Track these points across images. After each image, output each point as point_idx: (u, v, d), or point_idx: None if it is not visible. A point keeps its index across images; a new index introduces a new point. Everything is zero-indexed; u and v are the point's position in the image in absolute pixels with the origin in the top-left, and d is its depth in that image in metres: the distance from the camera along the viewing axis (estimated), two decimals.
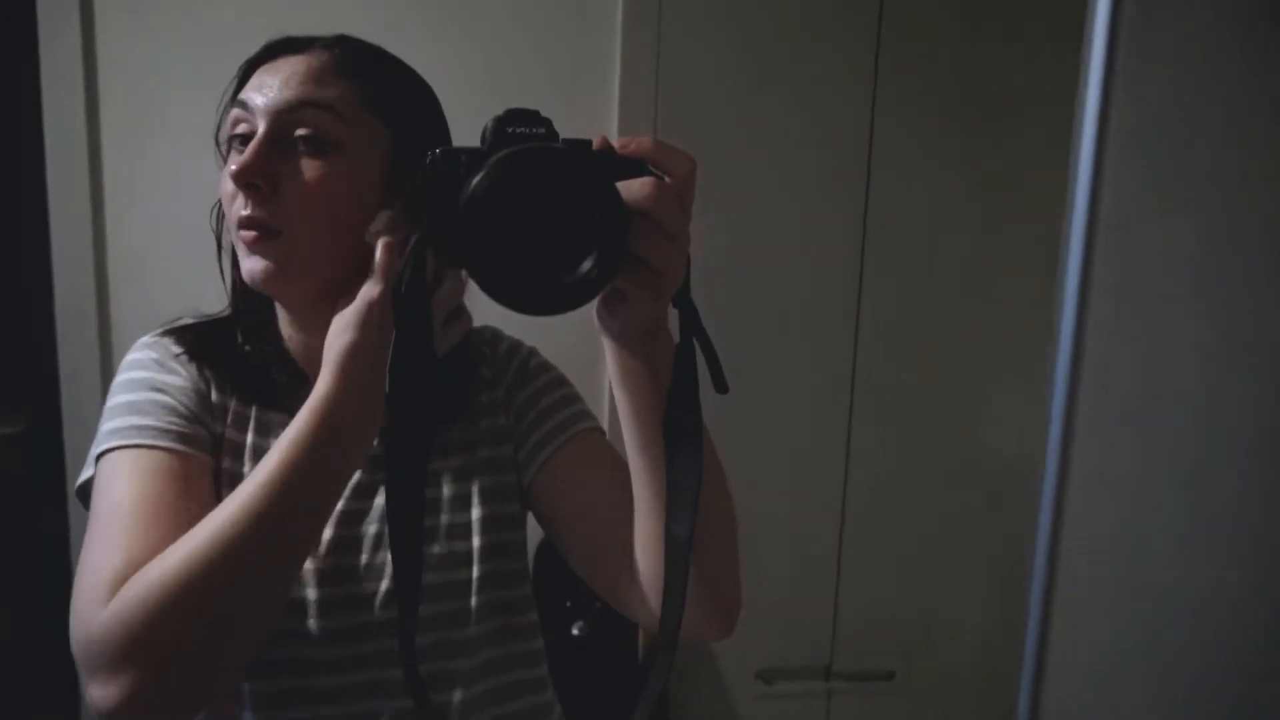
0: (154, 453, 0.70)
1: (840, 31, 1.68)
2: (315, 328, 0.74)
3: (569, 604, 1.62)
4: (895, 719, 1.87)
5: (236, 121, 0.73)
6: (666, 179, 0.55)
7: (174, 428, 0.72)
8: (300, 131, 0.70)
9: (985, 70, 1.71)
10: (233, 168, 0.69)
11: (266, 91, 0.72)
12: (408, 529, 0.63)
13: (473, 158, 0.53)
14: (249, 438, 0.78)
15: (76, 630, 0.61)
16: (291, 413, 0.68)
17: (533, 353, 0.89)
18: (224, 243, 0.80)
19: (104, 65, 1.48)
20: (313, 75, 0.72)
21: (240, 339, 0.80)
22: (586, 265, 0.52)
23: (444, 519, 0.79)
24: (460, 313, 0.71)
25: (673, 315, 0.62)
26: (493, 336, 0.90)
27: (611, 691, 1.38)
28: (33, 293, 1.99)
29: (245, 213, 0.70)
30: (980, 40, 1.71)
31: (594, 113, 1.60)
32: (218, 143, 0.78)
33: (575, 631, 1.59)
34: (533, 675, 0.85)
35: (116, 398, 0.75)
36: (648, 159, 0.56)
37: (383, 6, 1.55)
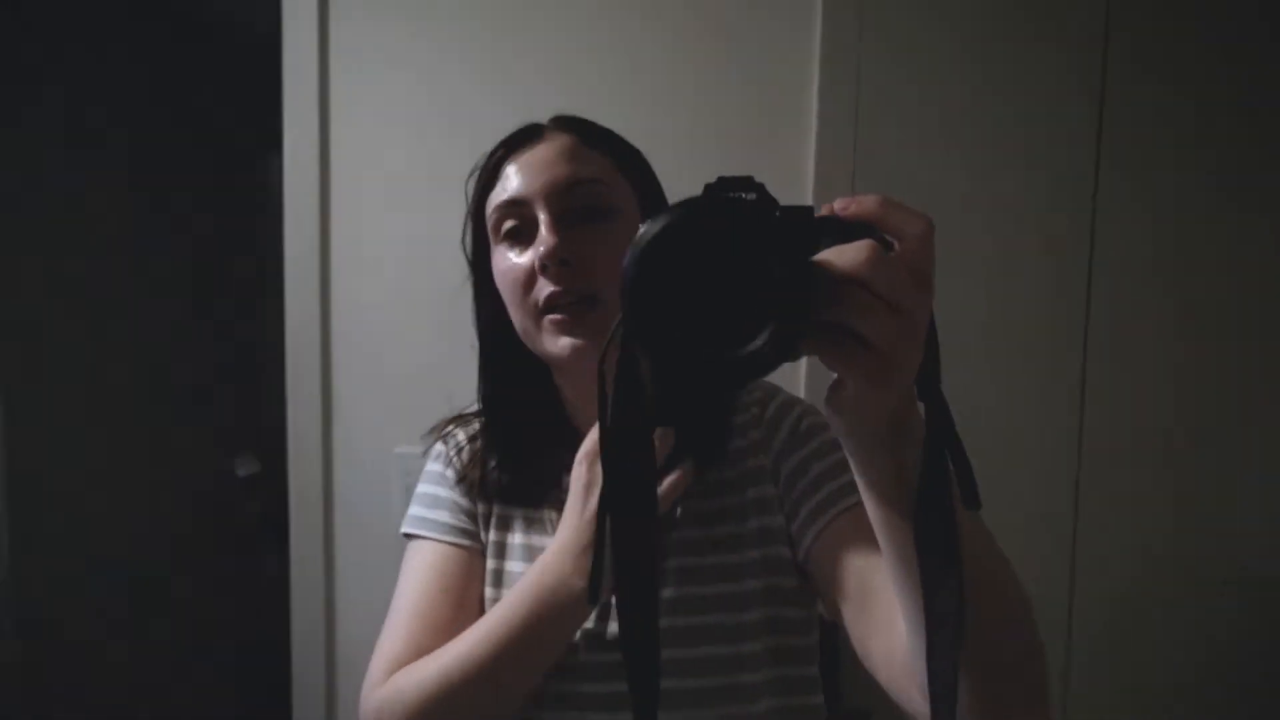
0: (438, 546, 0.84)
1: (1058, 79, 1.56)
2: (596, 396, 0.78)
3: None
4: None
5: (503, 220, 0.77)
6: (896, 244, 0.48)
7: (448, 521, 0.85)
8: (579, 204, 0.75)
9: (1224, 95, 1.54)
10: (541, 250, 0.73)
11: (532, 182, 0.75)
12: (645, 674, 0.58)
13: (659, 216, 0.47)
14: (516, 537, 0.85)
15: (362, 698, 0.78)
16: (554, 505, 0.79)
17: (805, 413, 0.83)
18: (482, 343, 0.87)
19: (336, 151, 1.63)
20: (568, 155, 0.76)
21: (503, 438, 0.85)
22: (761, 339, 0.44)
23: (715, 589, 0.77)
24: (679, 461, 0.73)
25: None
26: (764, 395, 0.85)
27: None
28: (270, 353, 2.21)
29: (555, 289, 0.73)
30: (1219, 63, 1.54)
31: (790, 158, 1.57)
32: (466, 253, 0.84)
33: None
34: None
35: (420, 485, 0.90)
36: (872, 220, 0.48)
37: (577, 59, 1.59)
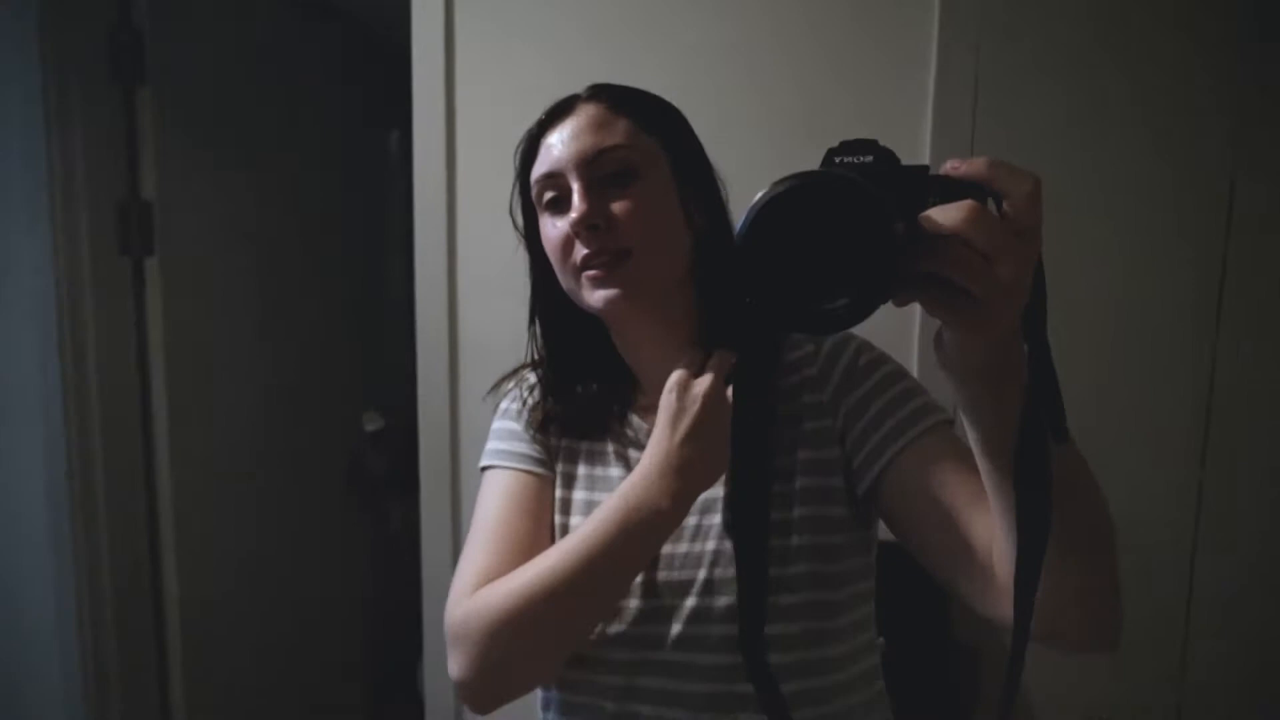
0: (515, 474, 0.90)
1: (1193, 58, 1.49)
2: (646, 338, 0.88)
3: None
4: None
5: (543, 191, 0.84)
6: (1004, 202, 0.51)
7: (522, 450, 0.92)
8: (606, 171, 0.82)
9: None
10: (573, 216, 0.80)
11: (564, 154, 0.82)
12: (757, 588, 0.67)
13: (782, 181, 0.53)
14: (580, 469, 0.92)
15: (448, 611, 0.82)
16: (615, 438, 0.88)
17: (860, 349, 0.87)
18: (535, 305, 0.94)
19: (462, 124, 1.72)
20: (594, 125, 0.83)
21: (560, 381, 0.93)
22: (853, 292, 0.50)
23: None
24: None
25: None
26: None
27: (918, 711, 1.32)
28: (401, 312, 2.33)
29: (589, 250, 0.81)
30: None
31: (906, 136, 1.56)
32: (516, 223, 0.92)
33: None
34: (837, 659, 0.84)
35: (495, 421, 0.97)
36: (981, 180, 0.52)
37: (693, 50, 1.62)
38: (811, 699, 0.81)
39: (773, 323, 0.52)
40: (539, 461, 0.91)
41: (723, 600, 0.82)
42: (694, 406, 0.76)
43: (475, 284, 1.74)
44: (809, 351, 0.88)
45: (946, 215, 0.50)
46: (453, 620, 0.80)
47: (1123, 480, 1.58)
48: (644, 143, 0.84)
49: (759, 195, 0.51)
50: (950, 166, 0.53)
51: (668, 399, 0.78)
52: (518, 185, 0.91)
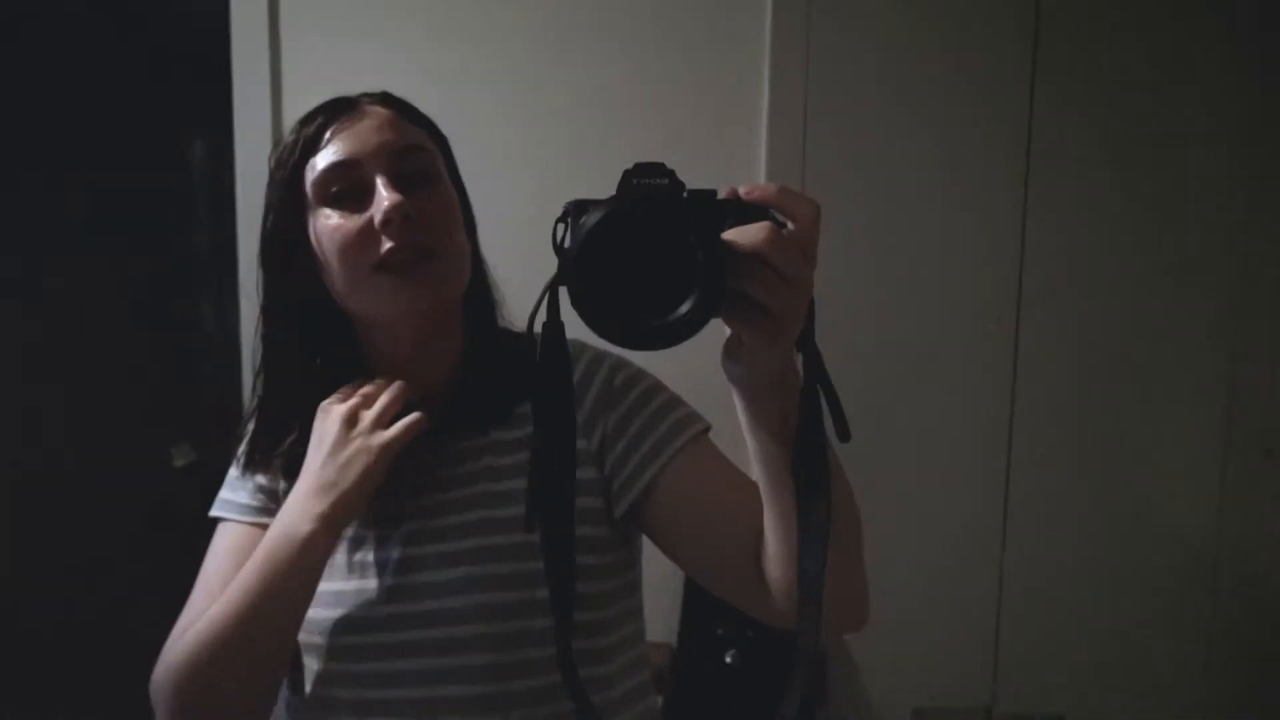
0: (232, 526, 0.86)
1: (993, 59, 1.67)
2: (411, 355, 0.84)
3: (720, 632, 1.61)
4: None
5: (331, 183, 0.78)
6: (789, 224, 0.56)
7: (244, 500, 0.86)
8: (411, 169, 0.79)
9: (1148, 86, 1.67)
10: (386, 205, 0.76)
11: (366, 144, 0.78)
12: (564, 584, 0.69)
13: (598, 206, 0.56)
14: None
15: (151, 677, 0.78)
16: None
17: (616, 368, 0.87)
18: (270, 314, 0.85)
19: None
20: (395, 124, 0.81)
21: (285, 414, 0.85)
22: (686, 306, 0.53)
23: (504, 540, 0.80)
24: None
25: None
26: (574, 351, 0.85)
27: (765, 715, 1.36)
28: (213, 333, 2.17)
29: (394, 244, 0.76)
30: (1147, 43, 1.67)
31: (743, 140, 1.64)
32: (266, 229, 0.84)
33: (728, 660, 1.58)
34: (593, 679, 0.82)
35: (232, 469, 0.90)
36: (771, 204, 0.57)
37: (528, 45, 1.63)
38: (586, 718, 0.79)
39: (618, 341, 0.54)
40: (261, 510, 0.85)
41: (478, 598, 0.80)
42: (360, 442, 0.76)
43: None
44: None
45: (747, 236, 0.53)
46: (152, 681, 0.77)
47: (935, 477, 1.72)
48: (433, 150, 0.83)
49: (589, 217, 0.54)
50: (744, 191, 0.57)
51: (332, 428, 0.77)
52: (279, 186, 0.82)
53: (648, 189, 0.56)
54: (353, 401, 0.79)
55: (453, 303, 0.83)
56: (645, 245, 0.53)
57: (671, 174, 0.57)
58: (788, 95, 1.62)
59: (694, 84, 1.64)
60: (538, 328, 0.62)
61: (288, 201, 0.81)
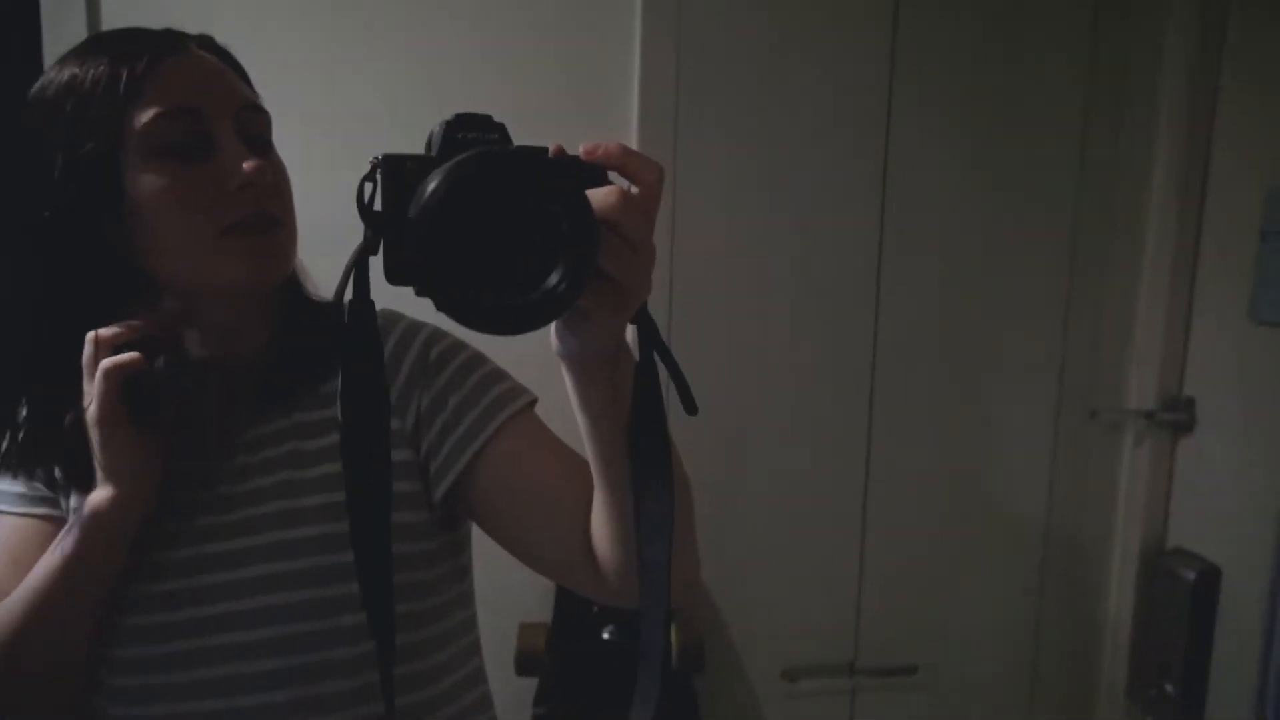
0: (11, 520, 0.76)
1: (856, 34, 1.72)
2: (232, 332, 0.77)
3: (596, 609, 1.61)
4: (919, 713, 1.89)
5: (167, 129, 0.68)
6: (632, 188, 0.51)
7: (20, 490, 0.76)
8: (256, 131, 0.73)
9: (998, 72, 1.76)
10: (247, 166, 0.69)
11: (208, 93, 0.70)
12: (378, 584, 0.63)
13: (420, 165, 0.49)
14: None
15: None
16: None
17: (431, 339, 0.80)
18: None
19: None
20: (229, 76, 0.74)
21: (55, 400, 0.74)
22: (553, 280, 0.47)
23: (313, 530, 0.73)
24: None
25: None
26: (386, 322, 0.80)
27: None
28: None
29: (250, 210, 0.70)
30: (994, 41, 1.75)
31: (615, 109, 1.63)
32: (54, 175, 0.69)
33: (605, 636, 1.59)
34: (417, 674, 0.79)
35: None
36: (614, 166, 0.52)
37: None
38: (406, 715, 0.75)
39: (479, 325, 0.47)
40: (42, 500, 0.76)
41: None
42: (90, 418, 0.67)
43: None
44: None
45: (598, 201, 0.48)
46: None
47: (798, 454, 1.78)
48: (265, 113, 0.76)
49: (431, 180, 0.46)
50: (585, 150, 0.52)
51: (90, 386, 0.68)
52: (79, 126, 0.68)
53: (478, 146, 0.49)
54: (86, 399, 0.68)
55: (284, 276, 0.76)
56: (501, 211, 0.46)
57: (501, 128, 0.51)
58: (659, 51, 1.62)
59: (567, 77, 1.61)
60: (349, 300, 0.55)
61: (96, 145, 0.68)
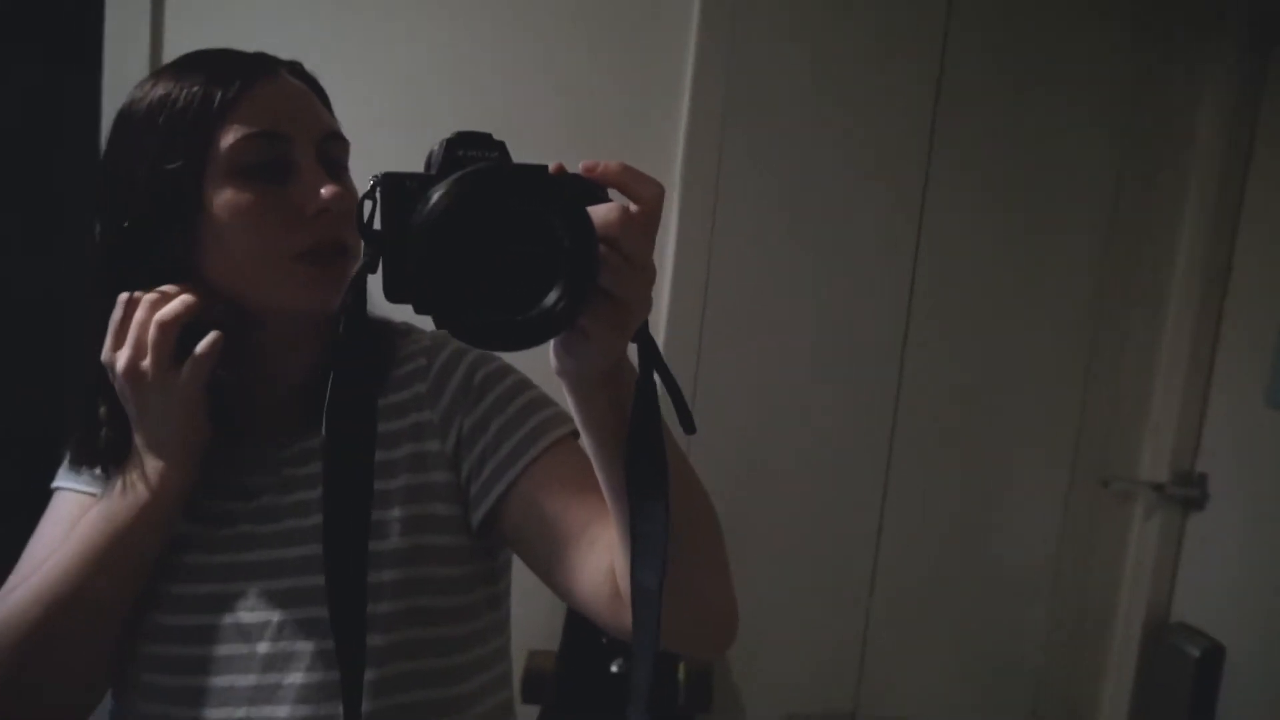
0: (69, 495, 0.79)
1: (899, 89, 1.76)
2: (299, 339, 0.78)
3: (605, 640, 1.62)
4: None
5: (250, 150, 0.70)
6: (632, 206, 0.52)
7: (84, 471, 0.78)
8: (333, 157, 0.75)
9: (1035, 144, 1.80)
10: (325, 193, 0.70)
11: (295, 120, 0.72)
12: (349, 608, 0.59)
13: (420, 183, 0.50)
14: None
15: None
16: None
17: (477, 362, 0.81)
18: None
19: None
20: (316, 105, 0.76)
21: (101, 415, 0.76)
22: (552, 298, 0.47)
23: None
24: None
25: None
26: (433, 345, 0.82)
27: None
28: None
29: (324, 237, 0.71)
30: (1032, 113, 1.79)
31: (661, 134, 1.67)
32: (142, 189, 0.71)
33: (614, 669, 1.60)
34: (450, 700, 0.77)
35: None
36: (613, 184, 0.52)
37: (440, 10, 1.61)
38: None
39: (475, 340, 0.48)
40: (99, 481, 0.78)
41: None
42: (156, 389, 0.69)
43: None
44: (421, 365, 0.81)
45: (599, 218, 0.49)
46: None
47: (813, 490, 1.80)
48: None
49: (432, 197, 0.47)
50: (585, 167, 0.52)
51: (122, 390, 0.70)
52: (176, 139, 0.70)
53: (478, 162, 0.50)
54: (125, 354, 0.68)
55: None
56: (501, 228, 0.47)
57: (501, 146, 0.52)
58: (709, 94, 1.66)
59: (617, 76, 1.66)
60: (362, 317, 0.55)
61: (185, 162, 0.70)
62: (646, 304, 0.53)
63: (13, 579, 0.74)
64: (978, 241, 1.80)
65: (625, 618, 0.63)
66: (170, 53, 1.46)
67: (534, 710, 1.58)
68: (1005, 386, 1.85)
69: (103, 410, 0.74)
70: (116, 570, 0.70)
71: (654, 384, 0.56)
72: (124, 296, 0.69)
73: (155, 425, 0.69)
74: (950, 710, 1.88)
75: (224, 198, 0.70)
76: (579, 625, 1.66)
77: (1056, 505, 1.89)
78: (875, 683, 1.86)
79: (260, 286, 0.72)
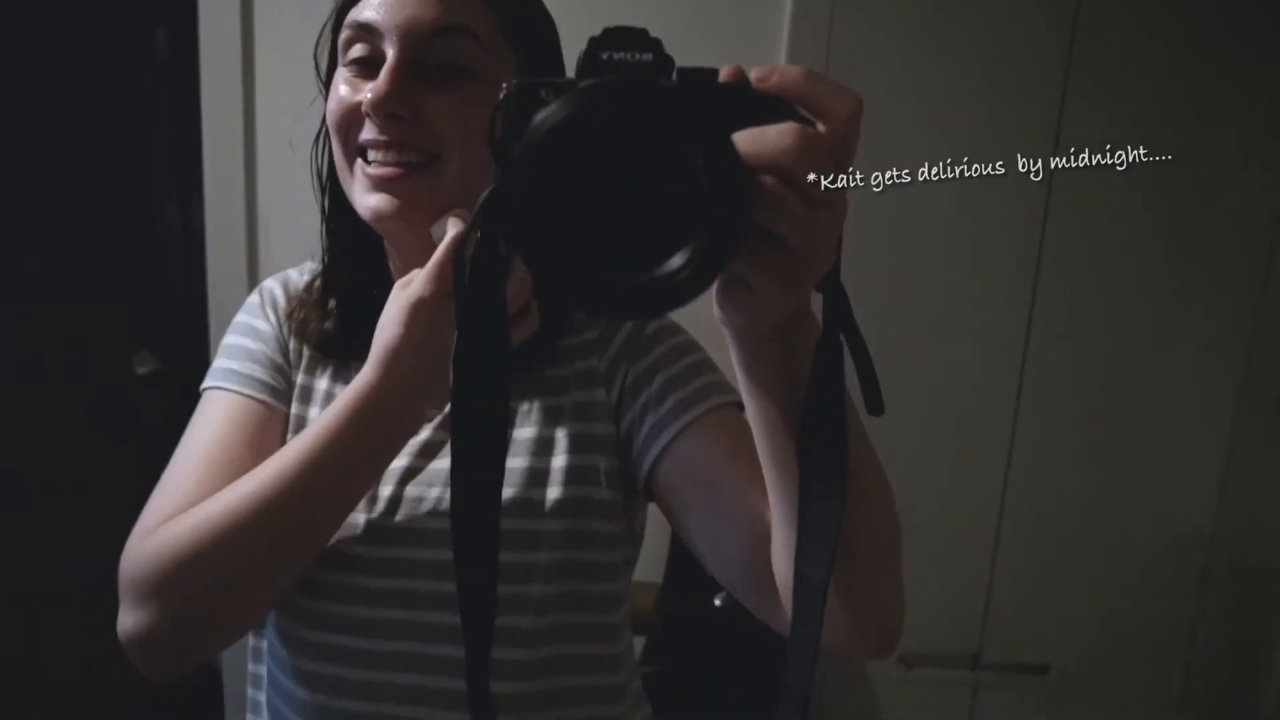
0: (235, 398, 0.74)
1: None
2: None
3: (709, 574, 1.57)
4: (1049, 717, 1.76)
5: (352, 41, 0.67)
6: (818, 125, 0.41)
7: (257, 375, 0.75)
8: (437, 59, 0.65)
9: (1182, 80, 1.56)
10: (370, 95, 0.64)
11: (393, 14, 0.65)
12: (479, 559, 0.50)
13: (558, 92, 0.39)
14: (323, 383, 0.78)
15: (123, 558, 0.66)
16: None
17: None
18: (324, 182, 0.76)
19: (261, 21, 1.51)
20: (434, 3, 0.65)
21: (325, 293, 0.77)
22: (678, 260, 0.37)
23: (512, 494, 0.70)
24: (528, 312, 0.61)
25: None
26: None
27: (753, 664, 1.32)
28: (176, 237, 2.05)
29: (379, 138, 0.65)
30: (1178, 50, 1.56)
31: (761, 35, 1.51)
32: (317, 64, 0.74)
33: (717, 603, 1.54)
34: (600, 657, 0.76)
35: (226, 337, 0.79)
36: (793, 97, 0.41)
37: None
38: (569, 698, 0.73)
39: (585, 304, 0.39)
40: (274, 391, 0.75)
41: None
42: (402, 300, 0.62)
43: (283, 209, 1.53)
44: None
45: (766, 143, 0.38)
46: (128, 564, 0.65)
47: (939, 432, 1.67)
48: (497, 43, 0.67)
49: (541, 118, 0.37)
50: (757, 76, 0.41)
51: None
52: (331, 26, 0.71)
53: (626, 69, 0.40)
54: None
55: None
56: (624, 160, 0.37)
57: (657, 45, 0.40)
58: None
59: None
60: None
61: (330, 59, 0.72)
62: (829, 251, 0.42)
63: (166, 489, 0.69)
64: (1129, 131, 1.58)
65: (773, 602, 0.59)
66: (263, 11, 1.48)
67: (640, 641, 1.55)
68: (1162, 294, 1.64)
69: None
70: (360, 473, 0.66)
71: (840, 346, 0.47)
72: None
73: (422, 349, 0.62)
74: (1091, 657, 1.74)
75: (334, 81, 0.69)
76: (683, 557, 1.60)
77: (1221, 432, 1.68)
78: (1003, 624, 1.73)
79: (343, 183, 0.70)
